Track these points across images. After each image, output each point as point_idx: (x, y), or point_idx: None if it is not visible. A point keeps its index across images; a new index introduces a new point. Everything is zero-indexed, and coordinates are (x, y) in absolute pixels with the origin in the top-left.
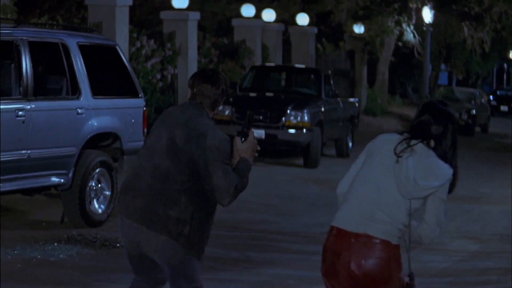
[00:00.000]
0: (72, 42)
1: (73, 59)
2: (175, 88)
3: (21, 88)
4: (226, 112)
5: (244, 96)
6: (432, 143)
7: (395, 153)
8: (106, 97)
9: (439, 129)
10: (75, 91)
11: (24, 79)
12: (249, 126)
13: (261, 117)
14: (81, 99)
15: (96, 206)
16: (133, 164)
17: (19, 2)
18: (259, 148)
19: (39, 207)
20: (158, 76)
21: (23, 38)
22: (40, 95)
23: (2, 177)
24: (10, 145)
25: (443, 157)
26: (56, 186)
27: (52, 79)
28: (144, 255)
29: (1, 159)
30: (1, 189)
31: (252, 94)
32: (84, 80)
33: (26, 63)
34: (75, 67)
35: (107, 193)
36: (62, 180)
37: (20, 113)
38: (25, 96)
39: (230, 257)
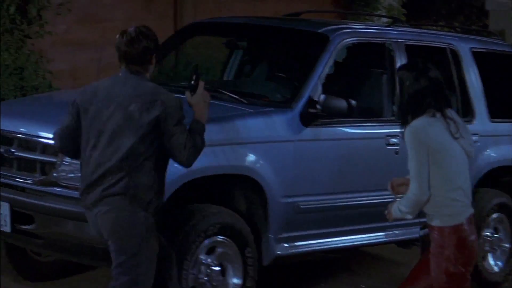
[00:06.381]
0: (464, 48)
1: (464, 69)
2: None
3: (394, 107)
4: None
5: None
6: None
7: (456, 139)
8: (507, 120)
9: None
10: (467, 112)
11: (399, 93)
12: (196, 78)
13: None
14: (475, 122)
15: (491, 262)
16: None
17: (410, 5)
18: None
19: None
20: None
21: (399, 40)
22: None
23: (367, 226)
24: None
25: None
26: None
27: None
28: None
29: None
30: (373, 241)
31: None
32: (479, 97)
33: None
34: (467, 80)
35: (506, 245)
36: None
37: (393, 140)
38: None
39: None
